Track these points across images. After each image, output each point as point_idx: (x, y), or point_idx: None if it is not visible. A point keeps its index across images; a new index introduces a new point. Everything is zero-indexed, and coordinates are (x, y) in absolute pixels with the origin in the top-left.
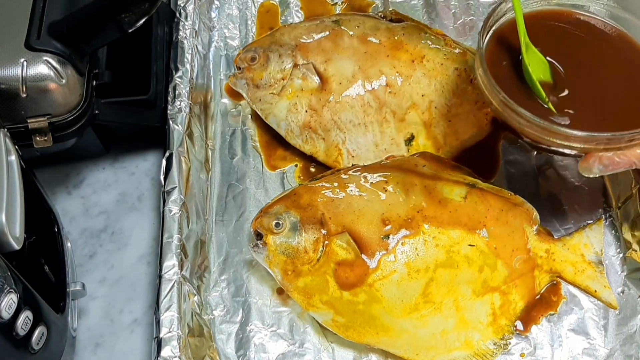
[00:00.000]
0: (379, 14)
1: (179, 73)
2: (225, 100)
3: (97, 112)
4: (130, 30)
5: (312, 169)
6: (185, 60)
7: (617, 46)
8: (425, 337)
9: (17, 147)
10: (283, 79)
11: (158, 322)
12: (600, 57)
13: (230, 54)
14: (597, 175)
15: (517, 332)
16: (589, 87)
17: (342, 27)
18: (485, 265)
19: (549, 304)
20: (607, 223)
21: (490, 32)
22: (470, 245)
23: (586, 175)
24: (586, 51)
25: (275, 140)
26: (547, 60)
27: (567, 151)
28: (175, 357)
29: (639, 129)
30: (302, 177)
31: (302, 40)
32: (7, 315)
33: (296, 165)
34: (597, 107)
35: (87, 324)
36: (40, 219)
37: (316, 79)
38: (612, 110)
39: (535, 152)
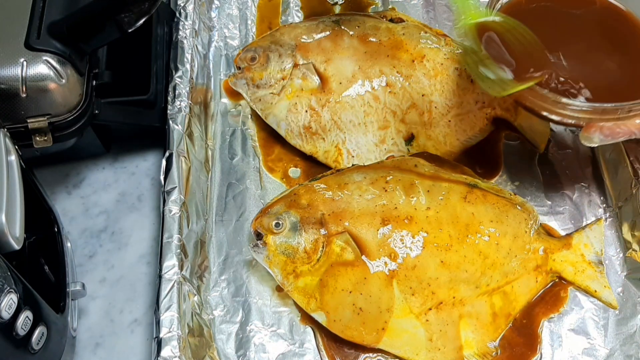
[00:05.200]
0: (379, 14)
1: (179, 73)
2: (225, 100)
3: (97, 112)
4: (130, 30)
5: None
6: (185, 60)
7: (613, 21)
8: (425, 338)
9: (17, 147)
10: (283, 79)
11: (158, 322)
12: (597, 32)
13: (230, 54)
14: (597, 145)
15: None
16: (586, 61)
17: (342, 27)
18: (485, 265)
19: (550, 305)
20: (607, 223)
21: (498, 6)
22: (470, 245)
23: (587, 145)
24: (582, 27)
25: (274, 140)
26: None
27: (568, 120)
28: (175, 357)
29: (639, 100)
30: (284, 180)
31: (302, 40)
32: (7, 315)
33: (295, 166)
34: (595, 79)
35: (87, 324)
36: (40, 219)
37: (316, 79)
38: (609, 83)
39: (537, 153)
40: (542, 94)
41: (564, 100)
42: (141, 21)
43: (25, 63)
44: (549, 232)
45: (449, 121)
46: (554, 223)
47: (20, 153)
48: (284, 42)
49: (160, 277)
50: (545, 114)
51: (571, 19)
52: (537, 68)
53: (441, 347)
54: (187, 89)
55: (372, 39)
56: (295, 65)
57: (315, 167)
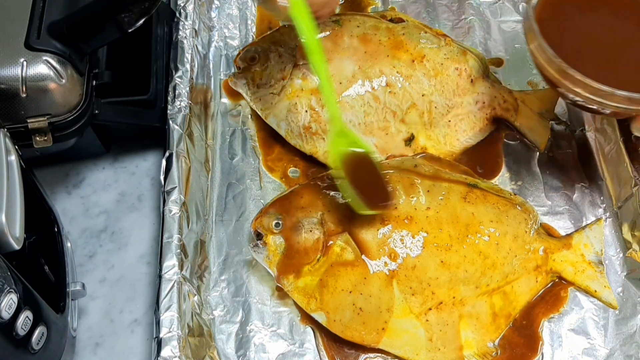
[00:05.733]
0: (379, 14)
1: (179, 73)
2: (225, 100)
3: (97, 112)
4: (130, 30)
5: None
6: (185, 60)
7: None
8: (425, 338)
9: (17, 147)
10: (283, 79)
11: (158, 322)
12: (632, 23)
13: (230, 54)
14: None
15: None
16: (625, 51)
17: (342, 27)
18: (485, 265)
19: (550, 305)
20: (607, 223)
21: None
22: (470, 245)
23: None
24: (619, 19)
25: (274, 140)
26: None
27: (607, 111)
28: (175, 357)
29: None
30: (284, 180)
31: (302, 40)
32: (7, 315)
33: (295, 166)
34: (633, 71)
35: (87, 324)
36: (40, 219)
37: (316, 78)
38: None
39: (537, 153)
40: (595, 86)
41: (619, 92)
42: (141, 21)
43: (25, 63)
44: (549, 232)
45: (449, 121)
46: (554, 223)
47: (20, 153)
48: (284, 42)
49: (160, 277)
50: (586, 104)
51: (608, 12)
52: (383, 199)
53: (441, 347)
54: (187, 89)
55: (372, 39)
56: (295, 65)
57: (315, 167)
